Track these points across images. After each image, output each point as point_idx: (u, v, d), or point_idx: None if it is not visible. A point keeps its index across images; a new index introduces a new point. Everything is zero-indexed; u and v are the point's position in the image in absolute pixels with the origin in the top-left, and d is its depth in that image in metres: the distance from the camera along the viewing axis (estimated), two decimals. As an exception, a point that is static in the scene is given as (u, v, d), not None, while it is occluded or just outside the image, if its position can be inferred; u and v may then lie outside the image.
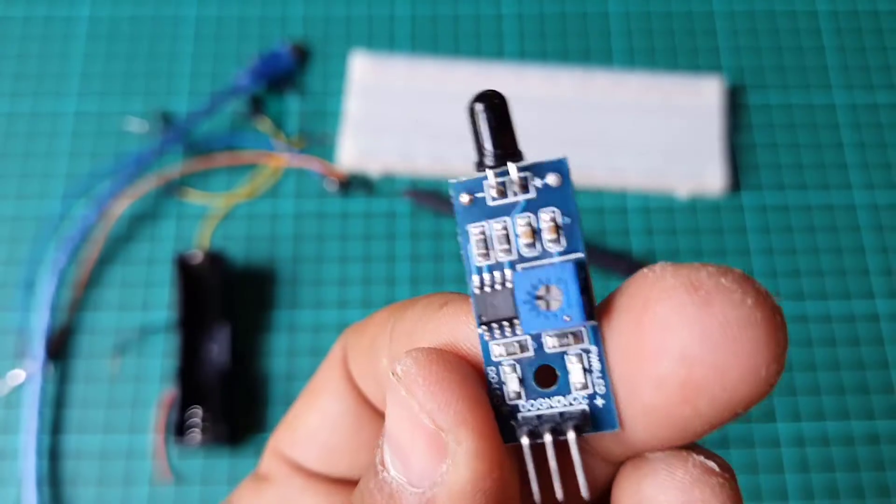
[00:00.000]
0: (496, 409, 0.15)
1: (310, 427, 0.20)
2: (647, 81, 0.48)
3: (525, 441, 0.15)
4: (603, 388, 0.15)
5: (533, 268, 0.15)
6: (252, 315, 0.45)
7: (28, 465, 0.41)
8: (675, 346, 0.13)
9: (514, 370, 0.15)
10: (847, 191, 0.47)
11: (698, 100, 0.48)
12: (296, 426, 0.21)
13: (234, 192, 0.47)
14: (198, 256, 0.44)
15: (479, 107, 0.16)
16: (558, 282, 0.15)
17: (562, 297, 0.15)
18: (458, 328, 0.16)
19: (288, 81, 0.50)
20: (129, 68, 0.50)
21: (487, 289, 0.15)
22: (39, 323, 0.44)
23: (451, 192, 0.16)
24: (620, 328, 0.14)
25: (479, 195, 0.16)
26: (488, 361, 0.15)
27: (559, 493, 0.14)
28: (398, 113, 0.48)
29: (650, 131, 0.47)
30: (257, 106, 0.49)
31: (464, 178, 0.16)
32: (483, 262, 0.16)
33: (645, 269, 0.14)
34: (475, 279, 0.16)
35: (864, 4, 0.51)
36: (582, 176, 0.46)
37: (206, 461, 0.42)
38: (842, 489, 0.41)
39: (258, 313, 0.45)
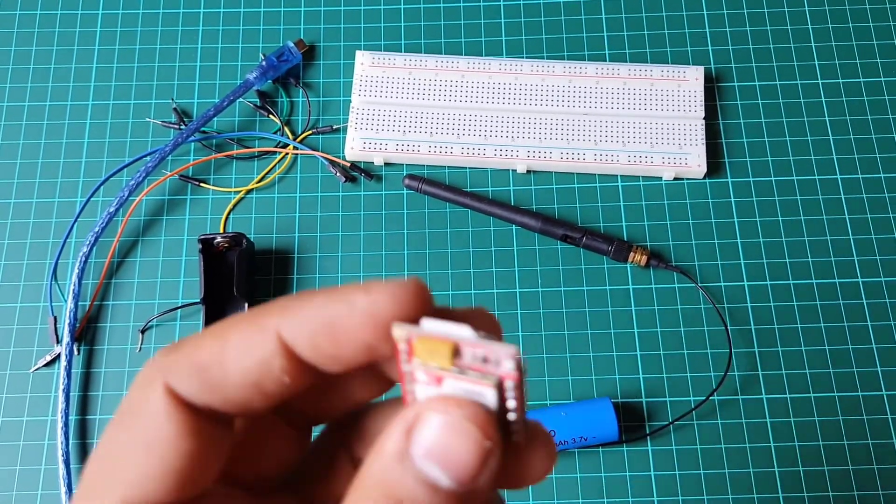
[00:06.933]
0: None
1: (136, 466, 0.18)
2: (635, 69, 0.50)
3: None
4: None
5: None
6: (266, 299, 0.47)
7: (57, 443, 0.43)
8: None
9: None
10: (830, 170, 0.49)
11: (683, 86, 0.50)
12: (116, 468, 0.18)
13: (245, 182, 0.50)
14: (219, 237, 0.45)
15: None
16: None
17: None
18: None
19: (295, 76, 0.52)
20: (142, 65, 0.52)
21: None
22: (66, 308, 0.45)
23: None
24: None
25: None
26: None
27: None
28: (399, 105, 0.50)
29: (637, 118, 0.49)
30: (266, 100, 0.51)
31: None
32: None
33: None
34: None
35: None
36: (573, 162, 0.48)
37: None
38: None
39: (271, 297, 0.47)
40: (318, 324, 0.17)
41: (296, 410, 0.21)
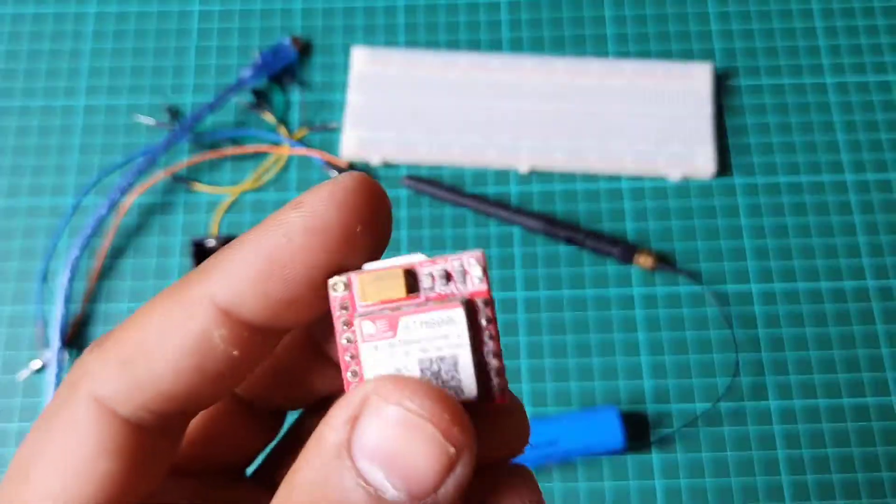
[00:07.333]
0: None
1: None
2: (640, 67, 0.49)
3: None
4: None
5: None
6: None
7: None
8: None
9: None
10: (838, 171, 0.48)
11: (689, 84, 0.49)
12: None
13: (239, 182, 0.49)
14: (212, 240, 0.45)
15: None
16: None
17: None
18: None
19: (290, 74, 0.51)
20: (136, 64, 0.51)
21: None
22: (55, 313, 0.45)
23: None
24: None
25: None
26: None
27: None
28: (398, 103, 0.49)
29: (643, 117, 0.48)
30: (261, 99, 0.50)
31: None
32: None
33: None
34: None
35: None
36: (577, 162, 0.47)
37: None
38: (832, 460, 0.43)
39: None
40: (255, 268, 0.14)
41: (257, 403, 0.18)
